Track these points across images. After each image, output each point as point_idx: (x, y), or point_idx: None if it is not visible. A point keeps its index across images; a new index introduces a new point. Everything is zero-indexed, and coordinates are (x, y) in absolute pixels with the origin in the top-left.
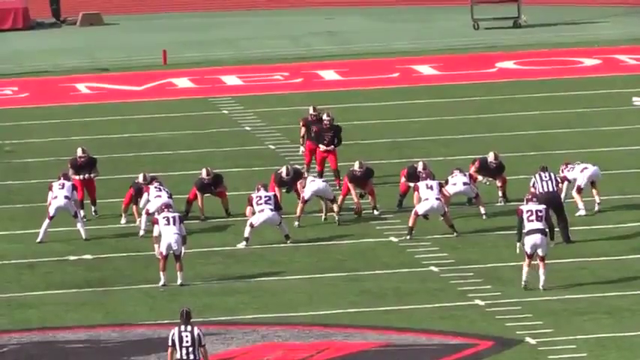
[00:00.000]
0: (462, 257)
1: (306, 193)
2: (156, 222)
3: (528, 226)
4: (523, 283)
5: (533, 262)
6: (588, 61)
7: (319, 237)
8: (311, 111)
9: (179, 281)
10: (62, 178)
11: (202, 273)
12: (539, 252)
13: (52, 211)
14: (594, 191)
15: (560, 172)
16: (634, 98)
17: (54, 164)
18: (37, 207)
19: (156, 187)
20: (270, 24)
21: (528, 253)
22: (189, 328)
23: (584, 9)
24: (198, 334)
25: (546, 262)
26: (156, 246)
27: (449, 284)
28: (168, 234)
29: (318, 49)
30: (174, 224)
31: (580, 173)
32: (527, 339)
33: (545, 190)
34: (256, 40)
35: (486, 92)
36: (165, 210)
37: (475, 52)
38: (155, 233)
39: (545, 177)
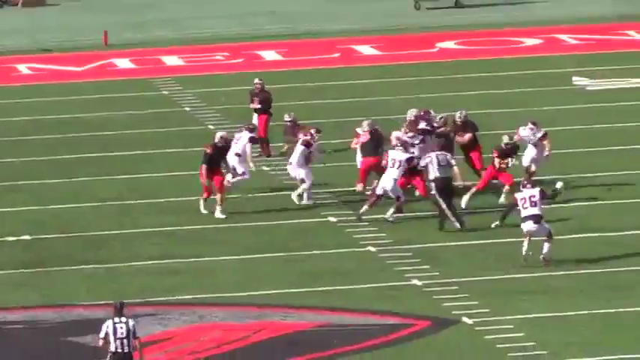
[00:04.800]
0: (400, 237)
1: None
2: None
3: None
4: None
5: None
6: (529, 41)
7: (258, 217)
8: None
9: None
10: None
11: (142, 253)
12: None
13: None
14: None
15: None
16: (574, 78)
17: None
18: None
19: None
20: (211, 4)
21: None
22: (123, 319)
23: None
24: (133, 326)
25: (484, 241)
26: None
27: (386, 264)
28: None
29: (259, 30)
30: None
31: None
32: (464, 319)
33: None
34: (197, 20)
35: (427, 72)
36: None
37: (416, 33)
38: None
39: (443, 162)
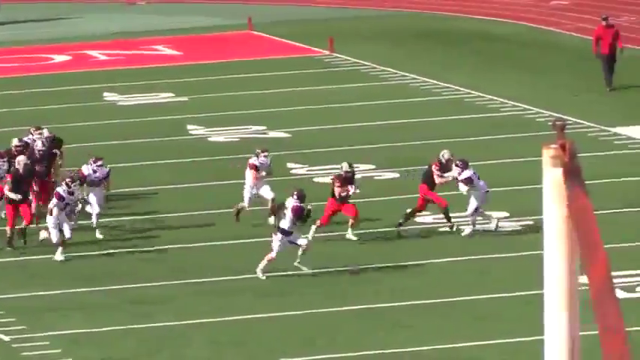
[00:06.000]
0: None
1: None
2: None
3: None
4: None
5: None
6: (59, 58)
7: None
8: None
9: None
10: None
11: None
12: None
13: None
14: None
15: None
16: (105, 93)
17: None
18: None
19: None
20: None
21: None
22: None
23: (57, 5)
24: None
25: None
26: None
27: None
28: None
29: None
30: None
31: None
32: (1, 336)
33: None
34: None
35: None
36: None
37: None
38: None
39: None
